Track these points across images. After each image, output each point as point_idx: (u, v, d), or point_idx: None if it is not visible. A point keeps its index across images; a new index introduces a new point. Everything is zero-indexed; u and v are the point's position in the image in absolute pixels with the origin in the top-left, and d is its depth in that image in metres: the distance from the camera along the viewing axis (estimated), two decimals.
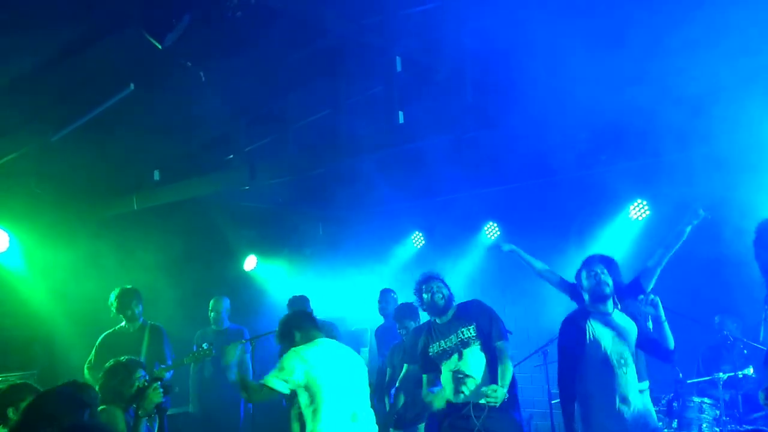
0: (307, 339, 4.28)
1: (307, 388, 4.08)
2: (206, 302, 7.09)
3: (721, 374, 5.39)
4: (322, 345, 4.26)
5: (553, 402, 5.82)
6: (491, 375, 4.46)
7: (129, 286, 6.03)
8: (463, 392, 4.49)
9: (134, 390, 3.97)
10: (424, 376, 4.92)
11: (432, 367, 4.80)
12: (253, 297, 8.73)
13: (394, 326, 6.56)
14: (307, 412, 4.13)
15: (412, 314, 5.94)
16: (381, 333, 7.01)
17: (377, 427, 4.35)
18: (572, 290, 5.09)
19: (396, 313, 6.12)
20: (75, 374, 5.32)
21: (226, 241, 8.33)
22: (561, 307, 5.94)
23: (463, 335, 4.63)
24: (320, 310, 8.56)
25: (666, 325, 4.12)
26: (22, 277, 7.12)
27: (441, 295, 4.76)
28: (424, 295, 4.79)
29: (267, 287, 9.03)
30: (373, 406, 4.48)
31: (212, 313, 6.97)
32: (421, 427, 5.63)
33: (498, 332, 4.55)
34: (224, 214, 7.98)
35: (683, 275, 6.21)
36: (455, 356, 4.61)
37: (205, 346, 5.85)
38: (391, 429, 5.68)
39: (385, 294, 7.02)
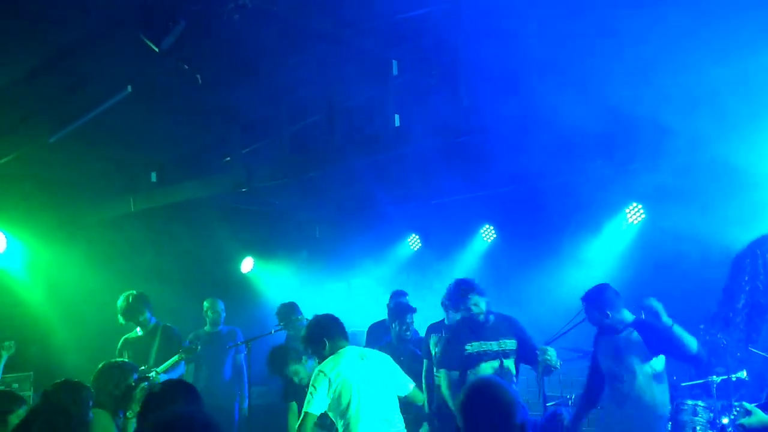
0: (334, 350, 4.28)
1: (335, 404, 4.12)
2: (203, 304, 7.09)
3: (714, 377, 5.40)
4: (346, 357, 4.25)
5: (548, 405, 5.84)
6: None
7: (134, 292, 5.96)
8: None
9: (121, 391, 3.94)
10: (446, 373, 4.88)
11: (462, 364, 4.81)
12: (250, 299, 8.75)
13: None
14: (339, 425, 4.17)
15: (411, 310, 5.95)
16: (374, 329, 7.00)
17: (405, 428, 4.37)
18: None
19: (396, 311, 6.06)
20: (70, 376, 5.32)
21: (223, 243, 8.34)
22: (557, 310, 5.97)
23: (506, 346, 4.86)
24: (317, 313, 8.59)
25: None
26: (18, 278, 7.13)
27: (480, 311, 4.87)
28: (473, 308, 4.84)
29: (264, 289, 9.06)
30: None
31: (210, 314, 6.94)
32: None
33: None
34: (221, 216, 7.99)
35: (675, 280, 6.25)
36: (498, 362, 4.80)
37: (191, 337, 6.02)
38: None
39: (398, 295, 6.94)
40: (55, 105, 5.55)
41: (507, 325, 4.93)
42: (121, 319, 5.92)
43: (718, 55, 4.09)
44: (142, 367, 5.51)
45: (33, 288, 7.10)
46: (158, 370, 5.49)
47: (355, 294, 9.33)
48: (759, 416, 3.54)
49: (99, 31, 4.53)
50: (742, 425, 3.57)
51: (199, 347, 5.91)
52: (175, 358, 5.75)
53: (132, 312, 5.88)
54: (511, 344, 4.86)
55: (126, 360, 4.27)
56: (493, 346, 4.83)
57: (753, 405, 3.63)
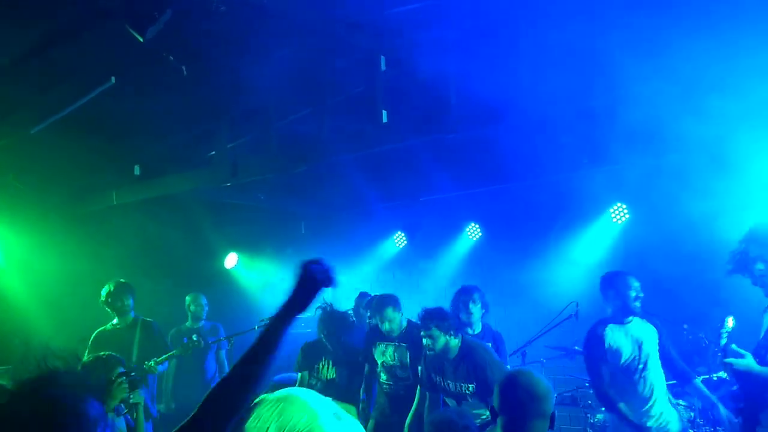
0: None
1: None
2: (185, 298, 7.04)
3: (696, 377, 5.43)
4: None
5: None
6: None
7: (122, 280, 5.95)
8: None
9: (100, 385, 3.84)
10: (427, 395, 4.97)
11: (434, 388, 4.85)
12: (233, 295, 8.70)
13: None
14: None
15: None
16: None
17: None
18: None
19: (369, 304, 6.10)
20: None
21: (206, 238, 8.28)
22: (540, 309, 5.99)
23: (462, 390, 4.63)
24: None
25: None
26: (0, 270, 7.05)
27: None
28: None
29: (247, 285, 9.01)
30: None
31: (192, 308, 6.90)
32: None
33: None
34: (205, 210, 7.93)
35: (658, 279, 6.28)
36: (453, 401, 4.70)
37: (194, 337, 5.88)
38: None
39: (363, 297, 7.02)
40: (37, 96, 5.48)
41: (470, 363, 4.56)
42: (104, 305, 5.82)
43: (704, 55, 4.11)
44: (149, 363, 5.47)
45: (14, 280, 7.02)
46: (152, 363, 5.48)
47: (340, 291, 9.30)
48: (748, 360, 3.59)
49: (83, 20, 4.47)
50: (730, 363, 3.59)
51: (203, 343, 5.94)
52: (175, 352, 5.77)
53: (112, 297, 5.80)
54: (468, 389, 4.60)
55: (113, 354, 4.16)
56: (450, 385, 4.69)
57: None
